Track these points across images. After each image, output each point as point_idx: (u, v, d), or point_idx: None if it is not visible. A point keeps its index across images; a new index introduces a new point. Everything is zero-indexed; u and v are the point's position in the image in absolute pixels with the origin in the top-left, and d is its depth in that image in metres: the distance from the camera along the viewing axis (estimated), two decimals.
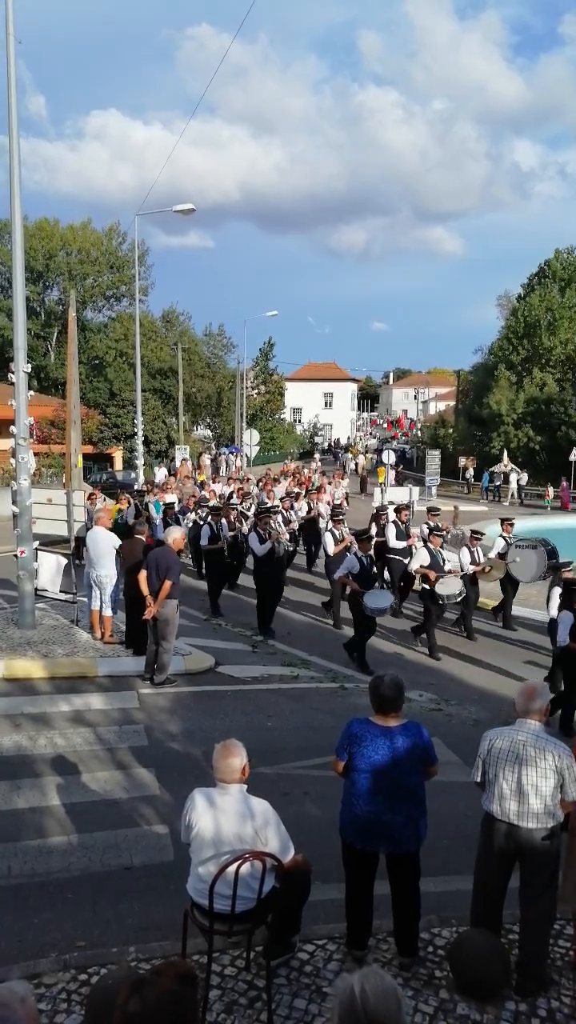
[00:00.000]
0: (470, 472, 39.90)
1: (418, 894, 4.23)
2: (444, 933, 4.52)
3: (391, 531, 13.68)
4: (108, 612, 10.85)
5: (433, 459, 35.86)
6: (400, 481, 32.86)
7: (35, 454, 12.16)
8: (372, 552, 11.18)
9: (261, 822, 3.80)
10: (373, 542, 11.89)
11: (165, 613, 9.17)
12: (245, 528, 14.62)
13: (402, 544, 13.49)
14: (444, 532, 13.84)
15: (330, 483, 23.25)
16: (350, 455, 53.90)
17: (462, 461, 40.75)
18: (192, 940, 4.05)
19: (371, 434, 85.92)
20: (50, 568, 13.45)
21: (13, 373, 10.86)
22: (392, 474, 32.95)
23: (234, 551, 14.72)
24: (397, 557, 13.53)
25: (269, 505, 16.50)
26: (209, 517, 14.15)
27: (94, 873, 5.33)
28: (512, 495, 36.30)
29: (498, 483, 37.19)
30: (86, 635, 10.96)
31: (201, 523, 15.38)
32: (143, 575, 9.21)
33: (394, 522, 13.73)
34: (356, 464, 45.94)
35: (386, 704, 4.16)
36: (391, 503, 19.71)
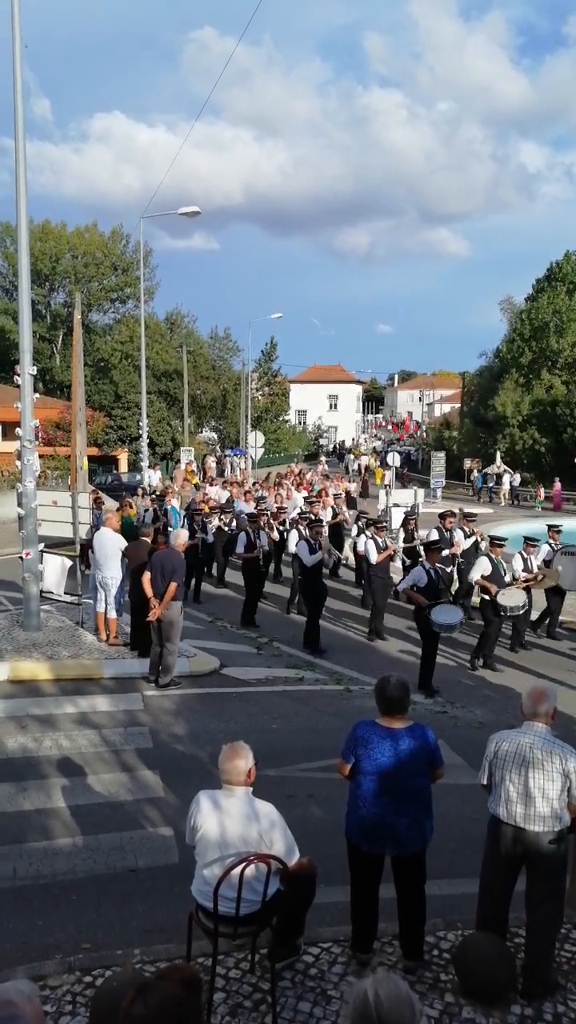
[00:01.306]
0: (475, 474, 39.89)
1: (423, 897, 4.22)
2: (450, 936, 4.50)
3: (433, 537, 12.79)
4: (113, 614, 10.86)
5: (438, 461, 35.82)
6: (405, 483, 32.84)
7: (40, 456, 12.20)
8: (440, 563, 10.39)
9: (266, 824, 3.79)
10: (442, 552, 11.05)
11: (170, 615, 9.17)
12: (274, 534, 14.38)
13: (443, 552, 12.55)
14: (479, 537, 13.44)
15: (332, 486, 23.15)
16: (352, 456, 53.93)
17: (467, 463, 40.73)
18: (197, 942, 4.04)
19: (376, 436, 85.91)
20: (55, 570, 13.46)
21: (19, 375, 10.89)
22: (389, 474, 32.97)
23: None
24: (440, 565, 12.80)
25: (275, 508, 16.46)
26: (244, 524, 13.52)
27: (99, 875, 5.33)
28: (504, 496, 36.46)
29: (491, 484, 37.32)
30: (91, 637, 10.97)
31: (227, 529, 15.19)
32: (147, 577, 9.22)
33: (437, 527, 13.09)
34: (359, 465, 45.95)
35: (392, 706, 4.15)
36: (396, 505, 19.70)
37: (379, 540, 12.37)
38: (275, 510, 16.46)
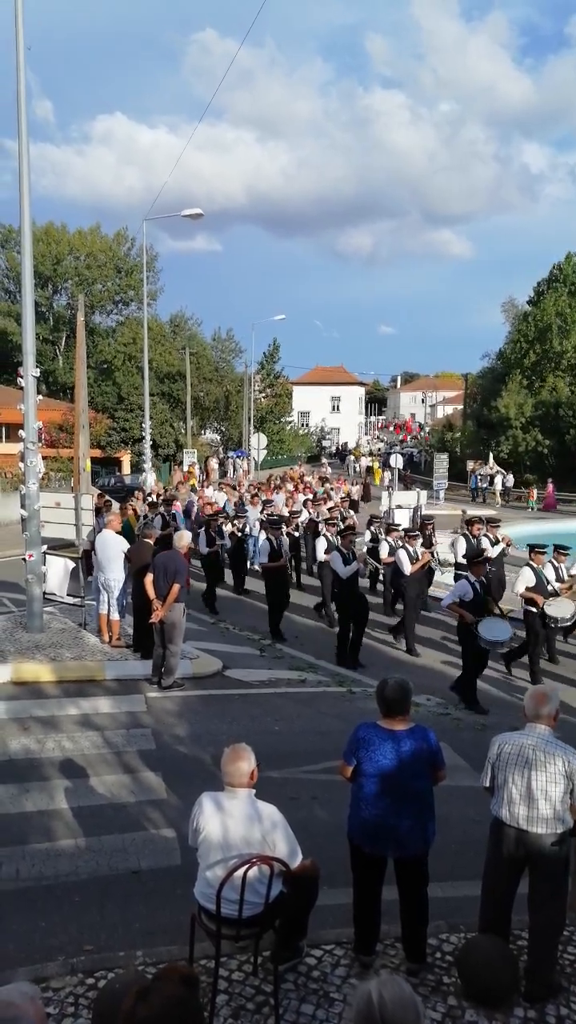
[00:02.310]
0: (511, 479, 39.83)
1: (426, 899, 4.21)
2: (452, 939, 4.49)
3: (460, 545, 12.71)
4: (115, 616, 10.87)
5: (441, 463, 35.81)
6: (408, 485, 32.84)
7: (43, 458, 12.19)
8: (484, 577, 9.89)
9: (269, 826, 3.79)
10: (487, 565, 10.48)
11: (172, 617, 9.18)
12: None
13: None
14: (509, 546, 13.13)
15: (333, 489, 23.08)
16: (353, 457, 53.99)
17: (470, 465, 40.69)
18: (199, 944, 4.05)
19: (378, 438, 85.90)
20: (58, 572, 13.48)
21: (22, 377, 10.92)
22: (388, 475, 32.89)
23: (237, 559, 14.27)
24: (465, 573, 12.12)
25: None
26: (267, 531, 12.94)
27: (101, 877, 5.33)
28: (497, 496, 36.63)
29: (485, 485, 37.51)
30: (94, 639, 10.98)
31: (240, 535, 14.89)
32: (149, 579, 9.23)
33: (464, 534, 12.84)
34: (359, 467, 45.99)
35: (392, 707, 4.15)
36: (398, 507, 19.69)
37: (411, 549, 11.94)
38: (286, 514, 16.29)
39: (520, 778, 3.99)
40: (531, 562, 10.52)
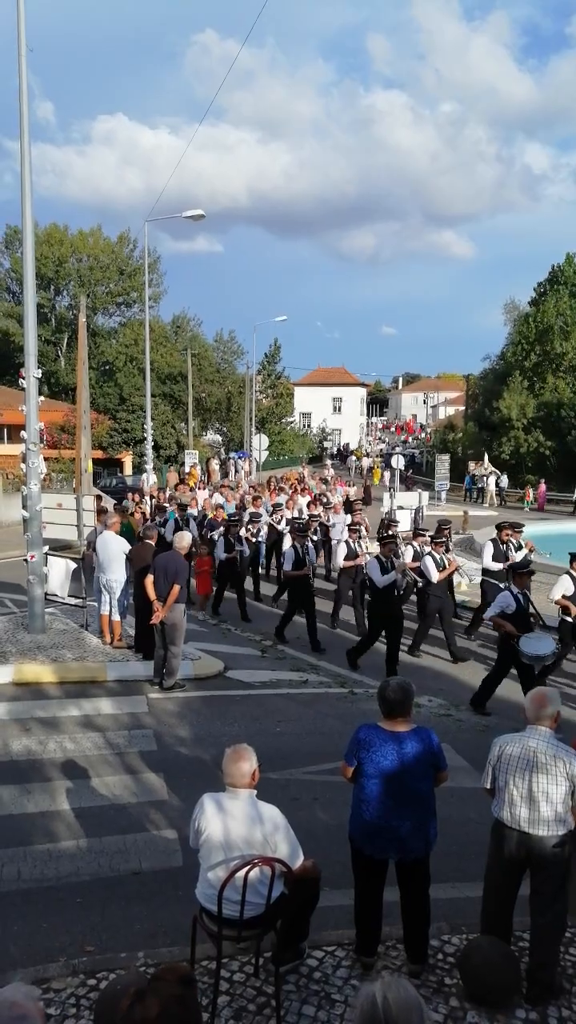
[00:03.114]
0: (504, 480, 39.92)
1: (428, 901, 4.21)
2: (454, 940, 4.49)
3: (488, 551, 12.16)
4: (117, 616, 10.87)
5: (442, 464, 35.84)
6: (410, 486, 32.86)
7: (45, 459, 12.20)
8: (528, 589, 9.37)
9: (270, 827, 3.79)
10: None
11: (173, 618, 9.18)
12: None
13: (498, 566, 11.59)
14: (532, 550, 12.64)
15: (331, 491, 22.96)
16: (354, 457, 54.00)
17: (472, 466, 40.73)
18: (200, 946, 4.04)
19: (380, 439, 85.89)
20: (60, 573, 13.47)
21: (24, 378, 10.93)
22: (387, 475, 32.75)
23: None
24: (493, 580, 11.77)
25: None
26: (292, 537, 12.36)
27: (103, 878, 5.33)
28: (491, 497, 36.84)
29: (480, 485, 37.75)
30: (96, 639, 10.99)
31: (254, 541, 14.69)
32: (150, 579, 9.24)
33: (492, 540, 12.28)
34: (362, 466, 46.02)
35: (394, 708, 4.14)
36: (400, 507, 19.68)
37: (437, 556, 11.44)
38: (291, 517, 16.13)
39: (521, 780, 3.99)
40: (572, 570, 9.96)
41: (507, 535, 12.16)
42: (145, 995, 1.98)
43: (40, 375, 11.08)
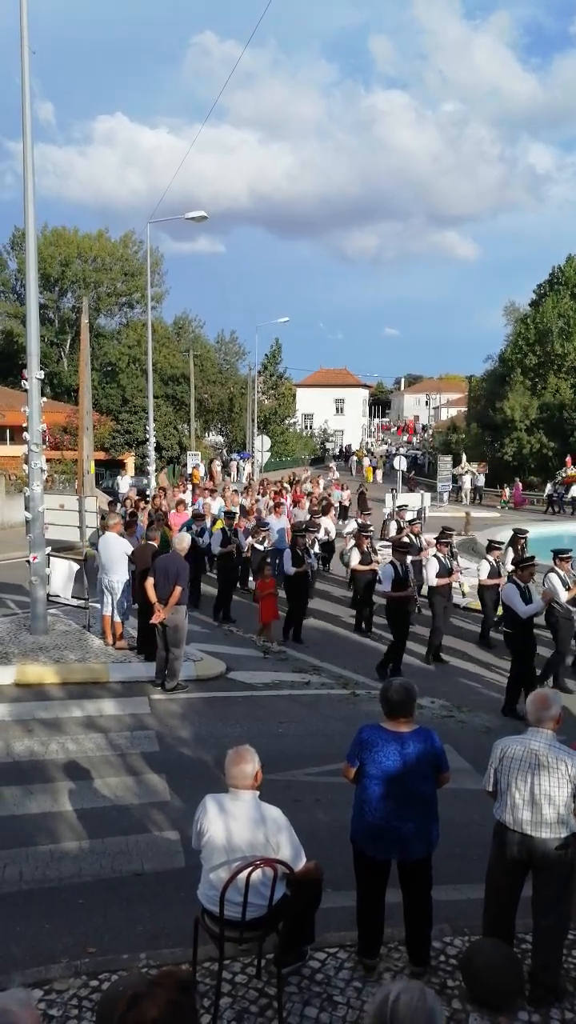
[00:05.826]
0: (481, 479, 40.02)
1: (430, 902, 4.20)
2: (456, 942, 4.48)
3: (508, 559, 12.18)
4: (119, 618, 10.87)
5: (444, 465, 35.87)
6: (412, 487, 32.83)
7: (47, 460, 12.21)
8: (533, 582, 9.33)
9: (273, 829, 3.79)
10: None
11: (175, 619, 9.18)
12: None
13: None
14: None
15: (328, 494, 22.88)
16: (355, 457, 54.01)
17: (474, 467, 40.74)
18: (203, 947, 4.04)
19: (382, 440, 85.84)
20: (62, 574, 13.48)
21: (26, 379, 10.94)
22: (379, 473, 32.58)
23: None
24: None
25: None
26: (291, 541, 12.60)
27: (105, 879, 5.33)
28: (466, 495, 37.33)
29: (459, 484, 38.08)
30: (98, 641, 10.99)
31: (260, 548, 14.42)
32: (150, 582, 9.24)
33: (511, 547, 12.33)
34: (360, 466, 46.06)
35: (396, 709, 4.14)
36: (401, 508, 19.64)
37: (443, 559, 11.23)
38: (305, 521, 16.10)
39: (524, 783, 3.98)
40: (557, 568, 10.04)
41: (522, 544, 11.86)
42: (141, 999, 1.96)
43: (43, 376, 11.07)
